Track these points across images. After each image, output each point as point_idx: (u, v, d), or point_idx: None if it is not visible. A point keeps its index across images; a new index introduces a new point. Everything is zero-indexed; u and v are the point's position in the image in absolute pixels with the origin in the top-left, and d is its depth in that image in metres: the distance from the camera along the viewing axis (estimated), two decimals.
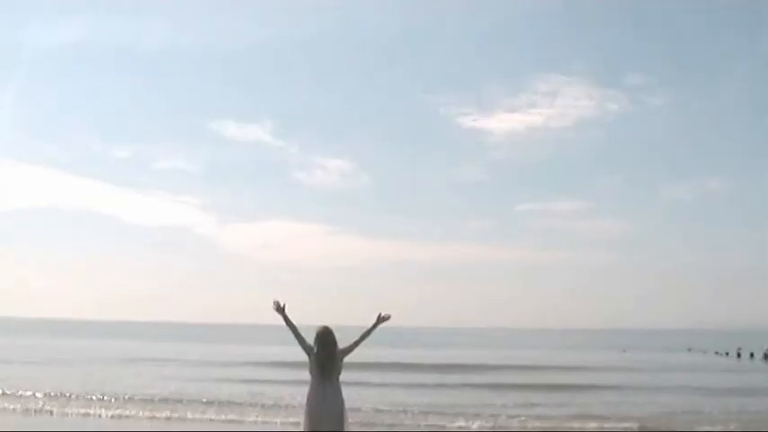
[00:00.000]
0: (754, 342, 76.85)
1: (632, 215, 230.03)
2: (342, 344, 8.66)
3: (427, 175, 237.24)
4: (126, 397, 22.47)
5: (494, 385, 29.64)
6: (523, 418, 19.85)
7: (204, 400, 22.27)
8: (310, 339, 8.60)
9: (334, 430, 8.43)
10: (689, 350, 73.11)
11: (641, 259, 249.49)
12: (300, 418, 8.79)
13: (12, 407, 20.29)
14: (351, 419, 8.77)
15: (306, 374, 8.69)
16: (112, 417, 19.57)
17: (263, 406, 21.32)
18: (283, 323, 8.81)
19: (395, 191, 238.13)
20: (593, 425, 19.01)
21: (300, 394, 11.45)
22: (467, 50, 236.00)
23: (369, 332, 8.85)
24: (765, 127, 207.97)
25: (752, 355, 57.19)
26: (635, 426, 18.77)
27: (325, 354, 8.52)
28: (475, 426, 18.46)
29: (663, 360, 55.14)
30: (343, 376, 8.67)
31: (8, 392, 22.83)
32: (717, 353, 65.03)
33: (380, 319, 8.83)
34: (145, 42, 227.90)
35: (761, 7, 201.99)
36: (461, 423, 18.70)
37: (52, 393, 22.84)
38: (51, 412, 19.82)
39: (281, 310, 8.71)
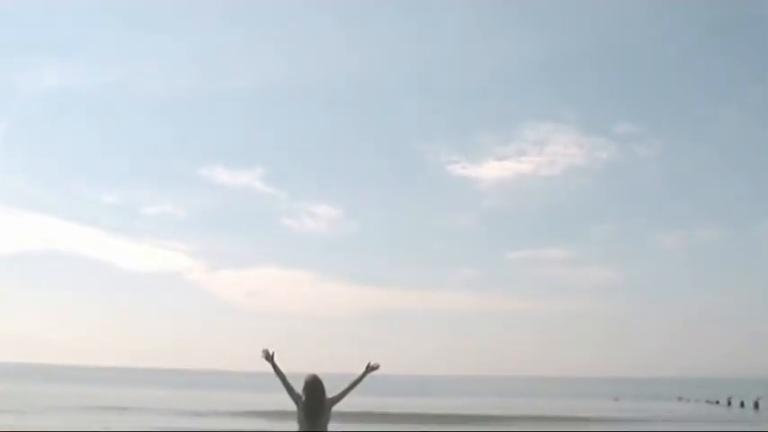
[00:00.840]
0: (742, 390, 76.41)
1: (622, 263, 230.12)
2: (330, 393, 8.60)
3: (417, 223, 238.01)
4: None
5: None
6: None
7: None
8: (299, 388, 8.53)
9: None
10: (679, 399, 72.61)
11: (631, 307, 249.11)
12: None
13: None
14: None
15: (294, 424, 8.60)
16: None
17: None
18: (272, 371, 8.75)
19: (384, 238, 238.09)
20: None
21: None
22: (456, 98, 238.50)
23: (358, 381, 8.79)
24: (753, 175, 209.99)
25: (742, 403, 56.85)
26: None
27: (314, 402, 8.44)
28: None
29: (656, 409, 54.72)
30: (332, 426, 8.58)
31: None
32: (708, 401, 64.65)
33: (369, 369, 8.79)
34: (135, 88, 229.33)
35: (747, 57, 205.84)
36: None
37: None
38: None
39: (270, 358, 8.66)
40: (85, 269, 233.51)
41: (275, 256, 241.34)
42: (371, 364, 8.76)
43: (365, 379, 8.80)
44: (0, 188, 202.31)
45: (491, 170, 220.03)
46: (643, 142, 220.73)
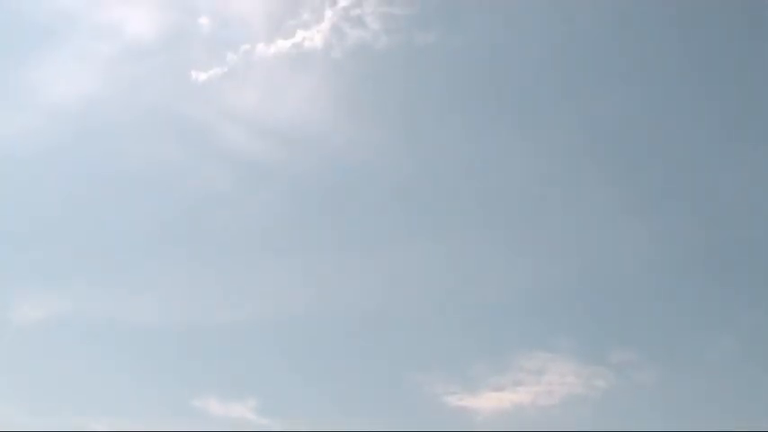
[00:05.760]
0: None
1: None
2: None
3: None
4: None
5: None
6: None
7: None
8: None
9: None
10: None
11: None
12: None
13: None
14: None
15: None
16: None
17: None
18: None
19: None
20: None
21: None
22: (451, 328, 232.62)
23: None
24: (750, 402, 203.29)
25: None
26: None
27: None
28: None
29: None
30: None
31: None
32: None
33: None
34: (128, 317, 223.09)
35: (740, 283, 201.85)
36: None
37: None
38: None
39: None
40: None
41: None
42: None
43: None
44: None
45: (488, 401, 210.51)
46: (640, 369, 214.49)
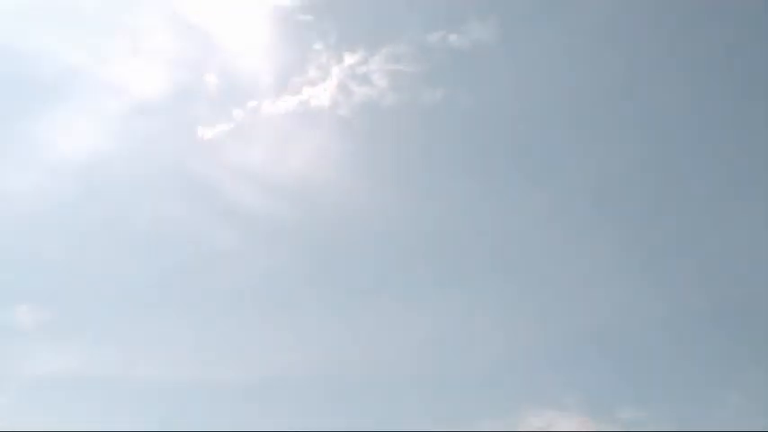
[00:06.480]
0: None
1: None
2: None
3: None
4: None
5: None
6: None
7: None
8: None
9: None
10: None
11: None
12: None
13: None
14: None
15: None
16: None
17: None
18: None
19: None
20: None
21: None
22: (458, 386, 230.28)
23: None
24: None
25: None
26: None
27: None
28: None
29: None
30: None
31: None
32: None
33: None
34: (135, 373, 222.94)
35: (745, 341, 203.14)
36: None
37: None
38: None
39: None
40: None
41: None
42: None
43: None
44: None
45: None
46: (649, 427, 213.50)
